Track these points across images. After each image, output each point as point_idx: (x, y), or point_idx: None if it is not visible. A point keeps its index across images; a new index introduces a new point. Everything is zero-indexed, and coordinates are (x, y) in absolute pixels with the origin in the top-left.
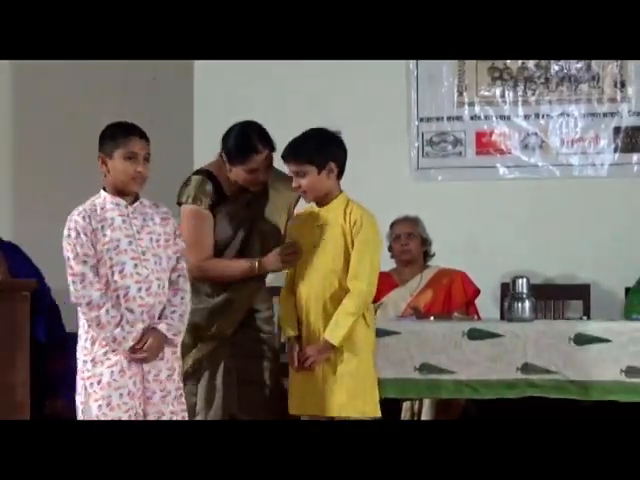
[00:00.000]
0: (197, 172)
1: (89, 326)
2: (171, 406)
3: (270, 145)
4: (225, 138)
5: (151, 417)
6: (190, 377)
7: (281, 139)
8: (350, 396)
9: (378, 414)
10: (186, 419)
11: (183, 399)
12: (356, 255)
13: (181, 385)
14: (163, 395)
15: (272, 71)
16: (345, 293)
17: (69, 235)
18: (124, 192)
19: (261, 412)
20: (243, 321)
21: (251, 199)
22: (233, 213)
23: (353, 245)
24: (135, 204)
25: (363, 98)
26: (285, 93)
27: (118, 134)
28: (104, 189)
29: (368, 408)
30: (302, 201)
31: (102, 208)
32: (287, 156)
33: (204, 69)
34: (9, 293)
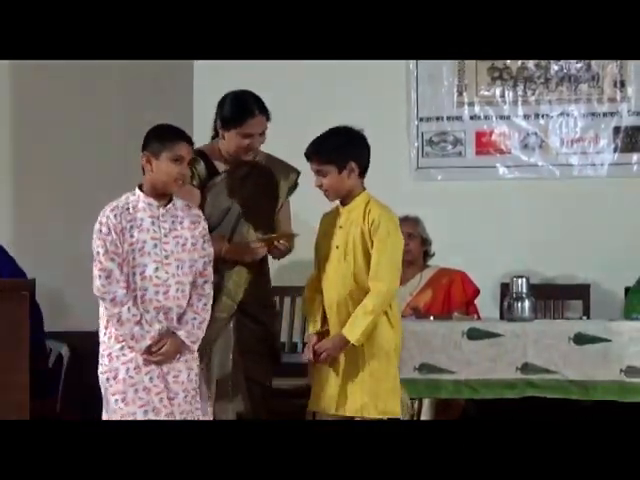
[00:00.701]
0: None
1: (109, 322)
2: (191, 405)
3: (265, 111)
4: (221, 104)
5: (178, 417)
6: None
7: (281, 139)
8: (372, 396)
9: (399, 414)
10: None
11: (198, 398)
12: (375, 255)
13: (197, 386)
14: (185, 395)
15: (271, 71)
16: (366, 294)
17: (100, 230)
18: (162, 192)
19: (260, 410)
20: (247, 317)
21: (246, 175)
22: (228, 188)
23: (373, 245)
24: (168, 206)
25: (363, 98)
26: (285, 93)
27: (166, 136)
28: (140, 188)
29: (389, 408)
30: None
31: (134, 207)
32: (309, 154)
33: (204, 69)
34: (8, 293)
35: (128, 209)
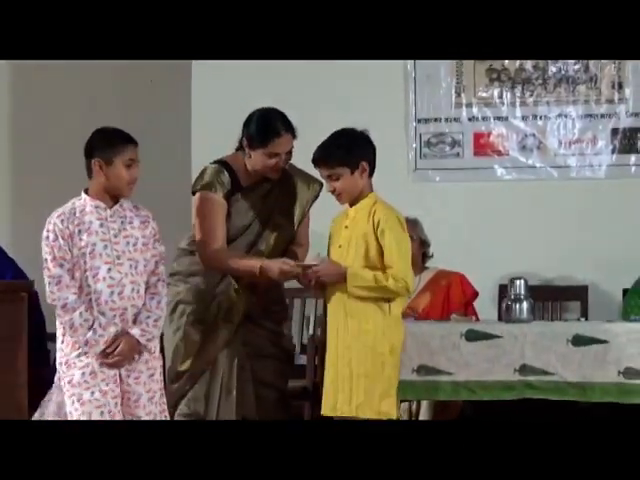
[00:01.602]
0: (213, 162)
1: (64, 328)
2: (159, 406)
3: (292, 130)
4: (247, 122)
5: (145, 418)
6: (196, 377)
7: None
8: (367, 396)
9: (394, 416)
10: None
11: (164, 399)
12: (387, 251)
13: (163, 385)
14: (150, 396)
15: (270, 71)
16: None
17: (47, 237)
18: (117, 197)
19: (270, 414)
20: (255, 319)
21: (268, 191)
22: (249, 204)
23: (376, 246)
24: (114, 207)
25: (361, 99)
26: (283, 94)
27: (117, 141)
28: (85, 191)
29: (384, 409)
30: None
31: (81, 211)
32: (318, 160)
33: (202, 69)
34: (6, 295)
35: (75, 213)
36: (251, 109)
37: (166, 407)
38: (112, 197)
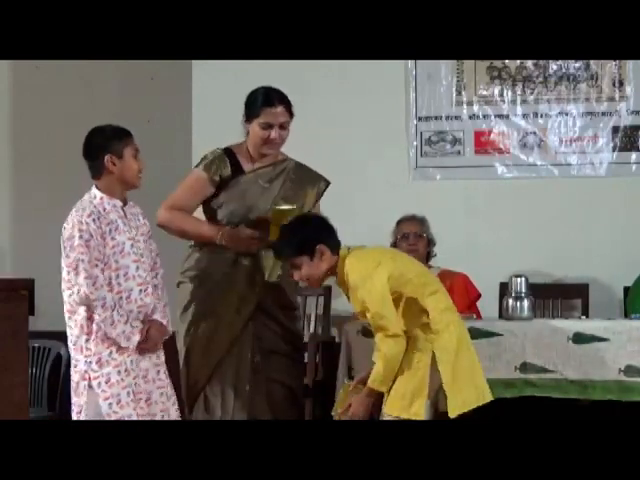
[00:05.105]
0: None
1: (97, 327)
2: (170, 401)
3: (286, 104)
4: (246, 99)
5: (159, 416)
6: (209, 372)
7: None
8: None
9: (421, 416)
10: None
11: (174, 393)
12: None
13: (170, 380)
14: (161, 393)
15: (270, 71)
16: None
17: (81, 237)
18: (129, 188)
19: (281, 411)
20: (269, 313)
21: (273, 178)
22: (253, 187)
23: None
24: (126, 205)
25: (362, 97)
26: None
27: (121, 134)
28: (97, 189)
29: (413, 409)
30: None
31: (104, 209)
32: (278, 256)
33: (202, 68)
34: (7, 293)
35: (101, 212)
36: None
37: (175, 401)
38: (121, 193)
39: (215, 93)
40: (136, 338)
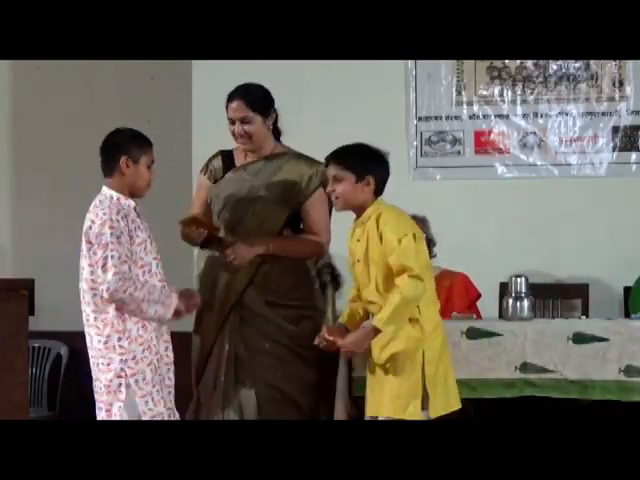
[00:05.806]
0: None
1: (130, 316)
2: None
3: (244, 98)
4: None
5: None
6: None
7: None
8: (392, 397)
9: (419, 416)
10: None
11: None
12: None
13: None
14: (169, 392)
15: (270, 71)
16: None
17: (112, 234)
18: (135, 196)
19: (266, 412)
20: (251, 312)
21: (259, 170)
22: (238, 179)
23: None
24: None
25: (362, 97)
26: (283, 93)
27: (144, 142)
28: (110, 189)
29: (410, 410)
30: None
31: (128, 206)
32: (330, 158)
33: (202, 68)
34: (7, 293)
35: (126, 210)
36: None
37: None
38: (136, 198)
39: (215, 93)
40: (170, 311)
